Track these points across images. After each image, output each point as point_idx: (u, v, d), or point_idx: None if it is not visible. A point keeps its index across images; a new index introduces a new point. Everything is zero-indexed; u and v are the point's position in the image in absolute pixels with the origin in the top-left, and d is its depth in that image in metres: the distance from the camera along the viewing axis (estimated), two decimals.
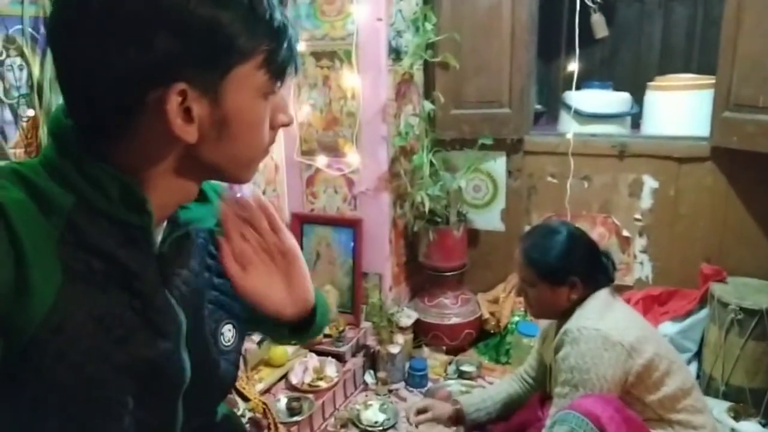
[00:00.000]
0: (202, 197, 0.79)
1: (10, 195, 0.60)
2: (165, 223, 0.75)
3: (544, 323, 1.75)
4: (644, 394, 1.41)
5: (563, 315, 1.53)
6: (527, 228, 2.52)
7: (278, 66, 0.66)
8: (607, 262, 1.58)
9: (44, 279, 0.60)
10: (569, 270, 1.50)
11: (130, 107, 0.61)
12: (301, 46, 2.32)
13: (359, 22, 2.21)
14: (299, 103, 2.41)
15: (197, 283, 0.80)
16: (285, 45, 0.66)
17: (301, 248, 2.53)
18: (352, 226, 2.42)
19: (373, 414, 2.08)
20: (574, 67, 2.26)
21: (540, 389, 1.73)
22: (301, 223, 2.53)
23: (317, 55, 2.33)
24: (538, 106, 3.34)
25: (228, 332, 0.84)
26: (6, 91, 1.43)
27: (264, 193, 2.40)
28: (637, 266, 2.37)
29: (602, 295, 1.51)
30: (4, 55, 1.43)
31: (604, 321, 1.42)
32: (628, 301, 2.06)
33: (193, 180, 0.71)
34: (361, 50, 2.24)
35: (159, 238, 0.73)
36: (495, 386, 1.88)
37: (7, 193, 0.60)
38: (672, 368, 1.42)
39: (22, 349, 0.59)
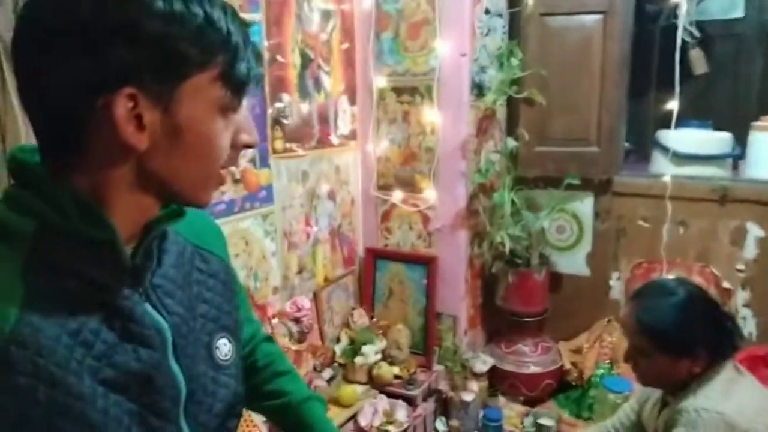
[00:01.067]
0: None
1: None
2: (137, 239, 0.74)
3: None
4: None
5: (678, 386, 1.33)
6: (614, 275, 2.38)
7: (235, 81, 0.67)
8: (732, 327, 1.36)
9: (4, 302, 0.60)
10: (693, 340, 1.28)
11: (81, 116, 0.62)
12: (381, 81, 2.32)
13: (442, 57, 2.18)
14: (378, 137, 2.39)
15: (184, 296, 0.79)
16: (242, 61, 0.67)
17: (374, 283, 2.50)
18: (427, 263, 2.35)
19: None
20: (673, 105, 2.11)
21: None
22: (374, 258, 2.49)
23: (398, 90, 2.32)
24: (626, 144, 3.19)
25: (224, 346, 0.83)
26: None
27: (339, 227, 2.38)
28: (740, 322, 2.16)
29: (725, 368, 1.29)
30: None
31: (729, 403, 1.21)
32: None
33: (152, 197, 0.70)
34: (442, 86, 2.20)
35: (130, 251, 0.72)
36: None
37: None
38: None
39: None
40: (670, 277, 2.09)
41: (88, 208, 0.65)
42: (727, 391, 1.25)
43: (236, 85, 0.67)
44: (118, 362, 0.66)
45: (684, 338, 1.29)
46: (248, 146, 0.73)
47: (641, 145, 3.07)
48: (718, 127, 2.52)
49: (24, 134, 1.29)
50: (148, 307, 0.72)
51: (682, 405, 1.25)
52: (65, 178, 0.65)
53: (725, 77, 3.16)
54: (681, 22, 2.05)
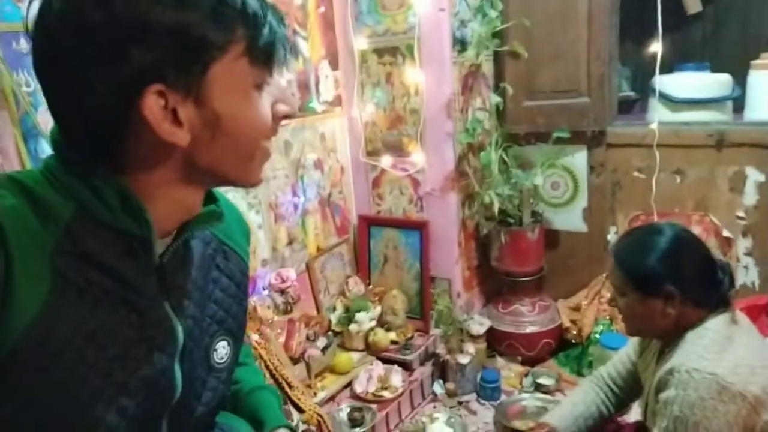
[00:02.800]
0: (209, 199, 0.76)
1: (3, 203, 0.59)
2: (173, 233, 0.72)
3: None
4: None
5: (666, 335, 1.29)
6: (612, 229, 2.31)
7: (261, 53, 0.64)
8: (724, 277, 1.28)
9: (30, 290, 0.58)
10: (665, 277, 1.24)
11: (116, 123, 0.60)
12: (362, 43, 2.25)
13: (420, 13, 2.10)
14: (363, 102, 2.34)
15: (200, 296, 0.77)
16: (265, 30, 0.64)
17: (369, 251, 2.48)
18: (419, 228, 2.31)
19: (439, 428, 1.96)
20: (657, 48, 2.01)
21: (628, 405, 1.51)
22: (368, 225, 2.46)
23: (379, 52, 2.25)
24: (631, 93, 3.06)
25: (222, 349, 0.81)
26: None
27: (329, 196, 2.36)
28: (741, 270, 2.08)
29: (720, 323, 1.23)
30: None
31: (723, 362, 1.14)
32: None
33: (197, 188, 0.69)
34: (423, 43, 2.13)
35: (161, 249, 0.71)
36: (579, 398, 1.57)
37: (1, 201, 0.59)
38: None
39: (1, 363, 0.58)
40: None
41: (130, 201, 0.64)
42: (722, 348, 1.18)
43: (264, 56, 0.65)
44: (132, 364, 0.66)
45: (655, 272, 1.25)
46: (287, 117, 0.70)
47: (646, 93, 2.95)
48: (723, 70, 2.40)
49: None
50: (168, 309, 0.71)
51: (674, 363, 1.19)
52: (111, 174, 0.64)
53: (733, 17, 3.00)
54: None
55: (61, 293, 0.60)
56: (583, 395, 1.57)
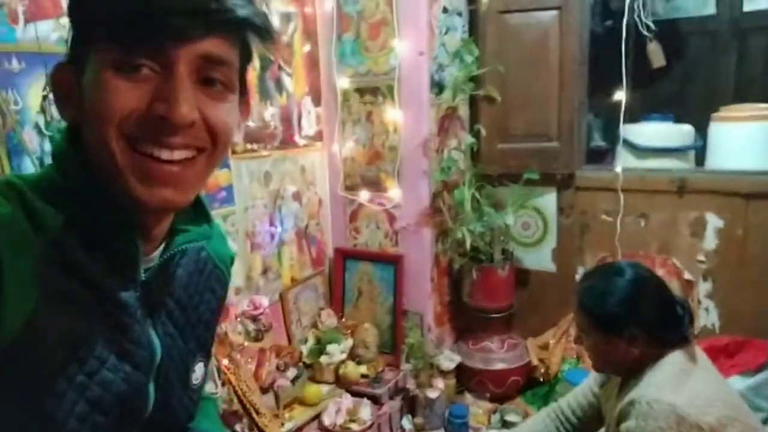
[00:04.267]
0: (203, 216, 0.77)
1: None
2: (160, 250, 0.72)
3: None
4: None
5: (629, 371, 1.33)
6: (580, 269, 2.38)
7: (122, 32, 0.57)
8: (684, 315, 1.33)
9: (17, 301, 0.56)
10: (627, 320, 1.28)
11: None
12: (345, 82, 2.34)
13: (401, 57, 2.20)
14: (343, 138, 2.41)
15: (181, 315, 0.77)
16: (124, 7, 0.57)
17: (343, 284, 2.51)
18: (394, 262, 2.36)
19: None
20: (621, 97, 2.12)
21: None
22: (343, 258, 2.50)
23: (361, 91, 2.34)
24: (603, 143, 3.19)
25: (198, 370, 0.81)
26: (47, 124, 1.50)
27: (306, 227, 2.40)
28: (702, 313, 2.15)
29: (678, 357, 1.27)
30: (47, 90, 1.50)
31: (681, 394, 1.19)
32: None
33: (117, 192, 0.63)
34: (403, 85, 2.22)
35: (151, 264, 0.71)
36: (529, 429, 1.62)
37: None
38: None
39: None
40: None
41: (122, 221, 0.63)
42: (680, 382, 1.23)
43: (118, 34, 0.57)
44: (107, 380, 0.64)
45: (618, 316, 1.29)
46: (163, 118, 0.58)
47: (615, 142, 3.08)
48: (688, 122, 2.53)
49: None
50: (149, 326, 0.70)
51: (634, 395, 1.24)
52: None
53: (699, 73, 3.18)
54: (626, 17, 2.06)
55: (47, 304, 0.58)
56: (533, 426, 1.60)
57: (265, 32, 0.64)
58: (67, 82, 0.62)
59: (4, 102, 1.33)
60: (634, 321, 1.28)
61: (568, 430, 1.57)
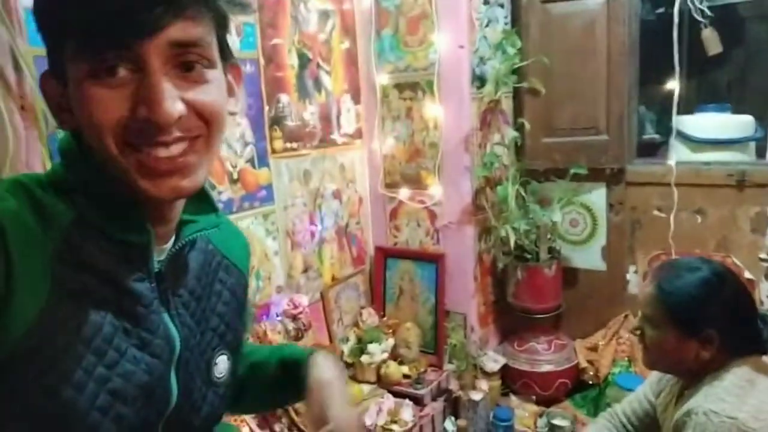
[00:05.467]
0: (209, 206, 0.76)
1: (5, 205, 0.59)
2: (171, 241, 0.73)
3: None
4: None
5: (687, 374, 1.25)
6: (631, 268, 2.28)
7: (86, 38, 0.57)
8: (764, 328, 1.24)
9: (28, 294, 0.57)
10: (706, 318, 1.20)
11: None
12: (384, 79, 2.30)
13: (441, 51, 2.15)
14: (383, 135, 2.38)
15: (198, 306, 0.76)
16: (82, 11, 0.57)
17: (384, 282, 2.48)
18: (435, 261, 2.31)
19: None
20: (675, 86, 2.01)
21: None
22: (384, 256, 2.47)
23: (400, 87, 2.30)
24: (656, 136, 3.06)
25: (222, 363, 0.80)
26: None
27: (347, 226, 2.38)
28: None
29: (745, 368, 1.18)
30: None
31: (745, 407, 1.10)
32: None
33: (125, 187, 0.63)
34: (443, 79, 2.17)
35: (162, 256, 0.71)
36: None
37: (3, 204, 0.59)
38: None
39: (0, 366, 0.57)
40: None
41: (131, 212, 0.64)
42: (744, 393, 1.14)
43: (83, 40, 0.57)
44: (128, 372, 0.65)
45: (697, 313, 1.21)
46: (148, 121, 0.58)
47: (667, 134, 2.94)
48: (745, 112, 2.39)
49: (11, 138, 1.35)
50: (165, 316, 0.71)
51: (693, 405, 1.15)
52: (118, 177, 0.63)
53: (761, 60, 3.00)
54: (679, 2, 1.95)
55: (60, 298, 0.59)
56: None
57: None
58: (55, 92, 0.63)
59: (46, 105, 1.35)
60: (716, 323, 1.20)
61: None
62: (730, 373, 1.18)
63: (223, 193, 1.85)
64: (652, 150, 2.86)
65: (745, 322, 1.23)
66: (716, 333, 1.19)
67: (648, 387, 1.49)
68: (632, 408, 1.50)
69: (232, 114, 0.72)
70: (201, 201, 0.75)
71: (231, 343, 0.82)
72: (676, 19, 1.96)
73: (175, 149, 0.60)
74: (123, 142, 0.59)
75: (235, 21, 1.84)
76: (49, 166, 1.41)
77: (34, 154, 1.38)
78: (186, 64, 0.60)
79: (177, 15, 0.57)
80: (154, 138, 0.59)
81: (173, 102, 0.58)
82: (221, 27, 0.65)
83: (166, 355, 0.70)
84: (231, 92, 0.71)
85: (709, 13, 2.11)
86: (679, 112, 2.12)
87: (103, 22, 0.55)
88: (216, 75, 0.64)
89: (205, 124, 0.62)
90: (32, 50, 1.35)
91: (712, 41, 2.15)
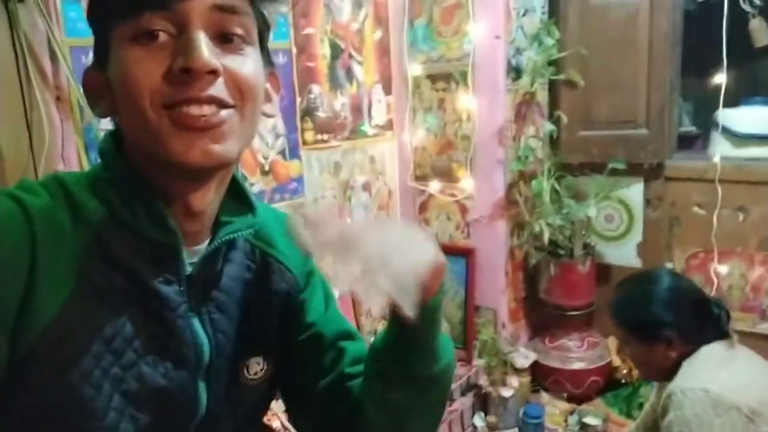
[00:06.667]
0: (246, 207, 0.74)
1: (37, 201, 0.59)
2: (205, 243, 0.70)
3: None
4: None
5: (671, 375, 1.31)
6: (668, 266, 2.22)
7: (131, 5, 0.58)
8: (720, 313, 1.37)
9: (51, 290, 0.57)
10: (661, 324, 1.33)
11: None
12: (416, 69, 2.26)
13: (476, 41, 2.10)
14: (414, 127, 2.34)
15: (236, 311, 0.73)
16: None
17: None
18: (465, 255, 2.28)
19: None
20: (722, 79, 1.94)
21: None
22: None
23: (432, 78, 2.26)
24: (692, 128, 2.96)
25: (256, 365, 0.77)
26: None
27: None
28: None
29: (716, 348, 1.31)
30: None
31: (717, 380, 1.21)
32: None
33: (168, 175, 0.63)
34: (477, 70, 2.13)
35: (196, 258, 0.69)
36: None
37: (34, 199, 0.59)
38: None
39: (20, 361, 0.57)
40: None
41: (154, 209, 0.63)
42: (717, 369, 1.25)
43: (129, 8, 0.58)
44: (145, 374, 0.64)
45: (645, 319, 1.36)
46: (185, 70, 0.57)
47: (708, 128, 2.85)
48: None
49: (47, 129, 1.35)
50: (195, 322, 0.68)
51: (671, 387, 1.25)
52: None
53: None
54: None
55: (83, 295, 0.59)
56: None
57: None
58: (96, 81, 0.64)
59: (81, 96, 1.35)
60: (669, 323, 1.32)
61: None
62: (703, 354, 1.29)
63: (254, 185, 1.85)
64: (689, 143, 2.77)
65: (697, 313, 1.35)
66: (672, 331, 1.32)
67: (654, 396, 1.56)
68: (644, 421, 1.59)
69: (269, 116, 0.72)
70: (241, 203, 0.73)
71: (270, 345, 0.78)
72: (725, 9, 1.88)
73: (208, 109, 0.59)
74: (159, 105, 0.59)
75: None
76: (84, 157, 1.42)
77: (70, 145, 1.38)
78: (226, 35, 0.61)
79: None
80: (189, 91, 0.58)
81: (210, 53, 0.58)
82: (263, 26, 0.66)
83: (191, 361, 0.68)
84: (268, 98, 0.71)
85: (758, 2, 2.02)
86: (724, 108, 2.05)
87: None
88: (254, 54, 0.64)
89: (239, 96, 0.62)
90: (69, 41, 1.35)
91: (760, 32, 2.06)
